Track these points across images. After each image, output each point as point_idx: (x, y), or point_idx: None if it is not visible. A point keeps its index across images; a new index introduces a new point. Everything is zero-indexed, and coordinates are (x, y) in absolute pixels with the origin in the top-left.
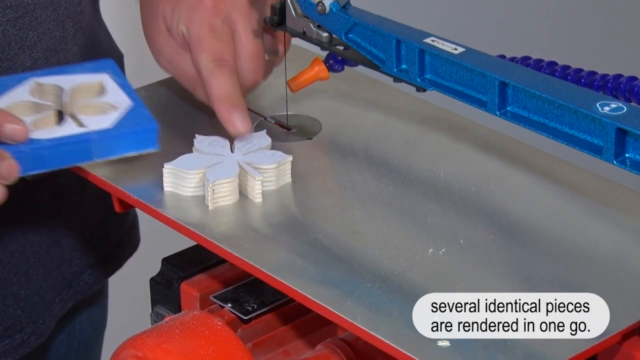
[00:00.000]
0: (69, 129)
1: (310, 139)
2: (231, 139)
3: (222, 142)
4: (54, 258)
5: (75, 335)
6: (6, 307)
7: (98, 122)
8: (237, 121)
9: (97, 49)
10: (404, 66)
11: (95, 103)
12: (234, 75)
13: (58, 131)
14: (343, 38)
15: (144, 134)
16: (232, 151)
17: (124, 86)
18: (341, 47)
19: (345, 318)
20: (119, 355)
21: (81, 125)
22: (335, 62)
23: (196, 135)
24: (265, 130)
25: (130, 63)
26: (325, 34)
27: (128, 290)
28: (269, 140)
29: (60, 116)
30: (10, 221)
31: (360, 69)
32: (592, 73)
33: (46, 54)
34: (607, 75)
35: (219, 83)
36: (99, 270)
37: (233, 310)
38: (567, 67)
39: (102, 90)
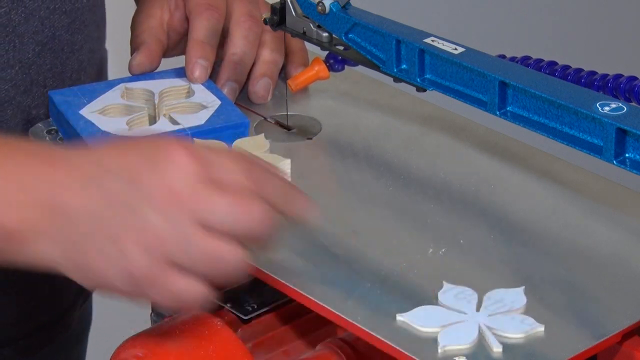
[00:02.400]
0: (164, 126)
1: (310, 139)
2: None
3: None
4: None
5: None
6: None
7: (191, 119)
8: (197, 68)
9: (102, 48)
10: (404, 66)
11: (186, 103)
12: (219, 25)
13: (153, 129)
14: (343, 38)
15: (237, 129)
16: None
17: (211, 87)
18: (341, 47)
19: (345, 318)
20: (119, 355)
21: (175, 123)
22: (335, 62)
23: None
24: None
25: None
26: (325, 34)
27: None
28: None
29: (153, 116)
30: None
31: (360, 69)
32: (592, 73)
33: (88, 56)
34: (607, 75)
35: (202, 25)
36: None
37: (233, 310)
38: (567, 67)
39: (190, 92)
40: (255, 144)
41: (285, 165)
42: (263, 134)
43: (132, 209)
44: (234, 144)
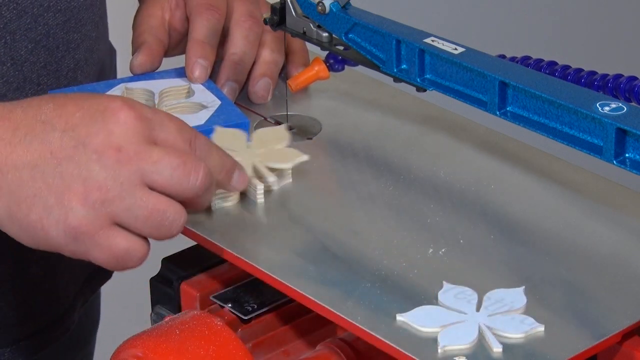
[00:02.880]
0: None
1: (310, 139)
2: None
3: None
4: None
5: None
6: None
7: (191, 120)
8: (197, 68)
9: (103, 47)
10: (404, 66)
11: (186, 103)
12: (220, 25)
13: None
14: (343, 38)
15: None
16: None
17: (211, 88)
18: (341, 47)
19: (345, 318)
20: (119, 355)
21: None
22: (335, 62)
23: None
24: None
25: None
26: (325, 34)
27: (128, 290)
28: None
29: None
30: None
31: (360, 69)
32: (592, 73)
33: (86, 55)
34: (607, 75)
35: (203, 24)
36: None
37: (233, 310)
38: (567, 67)
39: (190, 92)
40: (276, 136)
41: (301, 160)
42: (284, 125)
43: (77, 164)
44: (253, 134)
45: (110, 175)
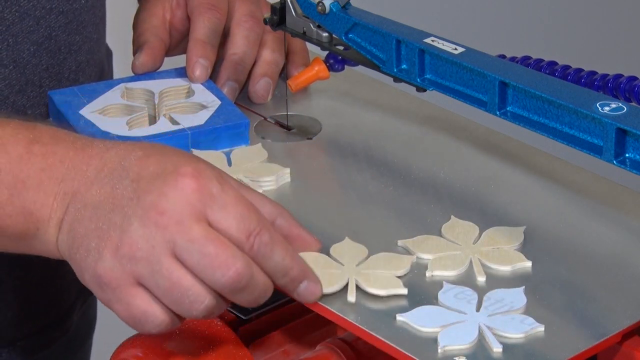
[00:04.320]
0: (164, 126)
1: (310, 139)
2: None
3: None
4: None
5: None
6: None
7: (191, 120)
8: (197, 67)
9: (102, 49)
10: (404, 66)
11: (186, 103)
12: (221, 25)
13: (153, 129)
14: (343, 38)
15: (237, 129)
16: None
17: (211, 88)
18: (341, 47)
19: (345, 318)
20: (119, 355)
21: (175, 123)
22: (335, 62)
23: None
24: None
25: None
26: (325, 34)
27: None
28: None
29: (153, 116)
30: None
31: (360, 69)
32: (592, 73)
33: (87, 57)
34: (607, 75)
35: (204, 24)
36: None
37: (233, 310)
38: (567, 67)
39: (190, 92)
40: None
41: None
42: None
43: (124, 215)
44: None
45: (145, 235)
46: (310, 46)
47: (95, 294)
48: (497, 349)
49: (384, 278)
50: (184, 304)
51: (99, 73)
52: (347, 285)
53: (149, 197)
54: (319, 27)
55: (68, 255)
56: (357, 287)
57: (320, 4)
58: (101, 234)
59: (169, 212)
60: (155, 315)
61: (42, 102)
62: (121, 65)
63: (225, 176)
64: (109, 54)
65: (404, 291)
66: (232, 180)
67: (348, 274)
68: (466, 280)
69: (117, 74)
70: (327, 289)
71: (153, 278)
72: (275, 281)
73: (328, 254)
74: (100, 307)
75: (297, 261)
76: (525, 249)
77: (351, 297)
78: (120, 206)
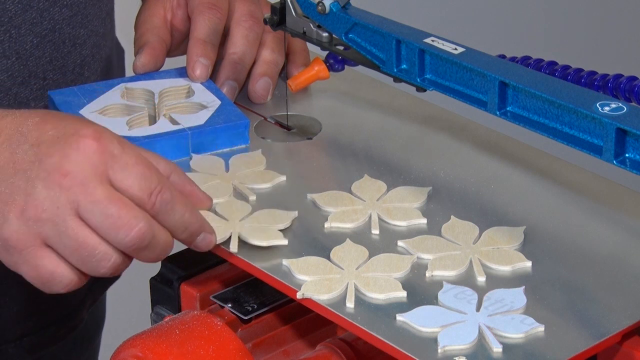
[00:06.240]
0: (164, 126)
1: (310, 139)
2: None
3: None
4: None
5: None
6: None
7: (191, 119)
8: (198, 66)
9: (109, 44)
10: (404, 66)
11: (186, 103)
12: (221, 24)
13: (153, 129)
14: (343, 38)
15: (236, 129)
16: None
17: (211, 88)
18: (341, 47)
19: (345, 318)
20: (119, 355)
21: (175, 123)
22: (335, 62)
23: None
24: None
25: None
26: (325, 34)
27: (128, 290)
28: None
29: (153, 116)
30: None
31: (360, 69)
32: (592, 73)
33: (92, 51)
34: (607, 75)
35: (204, 24)
36: None
37: (233, 310)
38: (567, 67)
39: (190, 92)
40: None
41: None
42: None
43: (27, 179)
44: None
45: (49, 196)
46: (310, 46)
47: (2, 258)
48: (497, 349)
49: (383, 281)
50: (91, 263)
51: (106, 68)
52: (347, 289)
53: (51, 159)
54: (319, 27)
55: None
56: (357, 291)
57: (320, 4)
58: (5, 198)
59: (72, 173)
60: (63, 275)
61: (45, 94)
62: (131, 63)
63: (124, 139)
64: (119, 51)
65: (403, 294)
66: (130, 143)
67: (347, 279)
68: (466, 280)
69: (129, 72)
70: (327, 295)
71: (59, 239)
72: (175, 236)
73: (328, 257)
74: (110, 306)
75: (195, 215)
76: (525, 249)
77: (350, 303)
78: (22, 170)
